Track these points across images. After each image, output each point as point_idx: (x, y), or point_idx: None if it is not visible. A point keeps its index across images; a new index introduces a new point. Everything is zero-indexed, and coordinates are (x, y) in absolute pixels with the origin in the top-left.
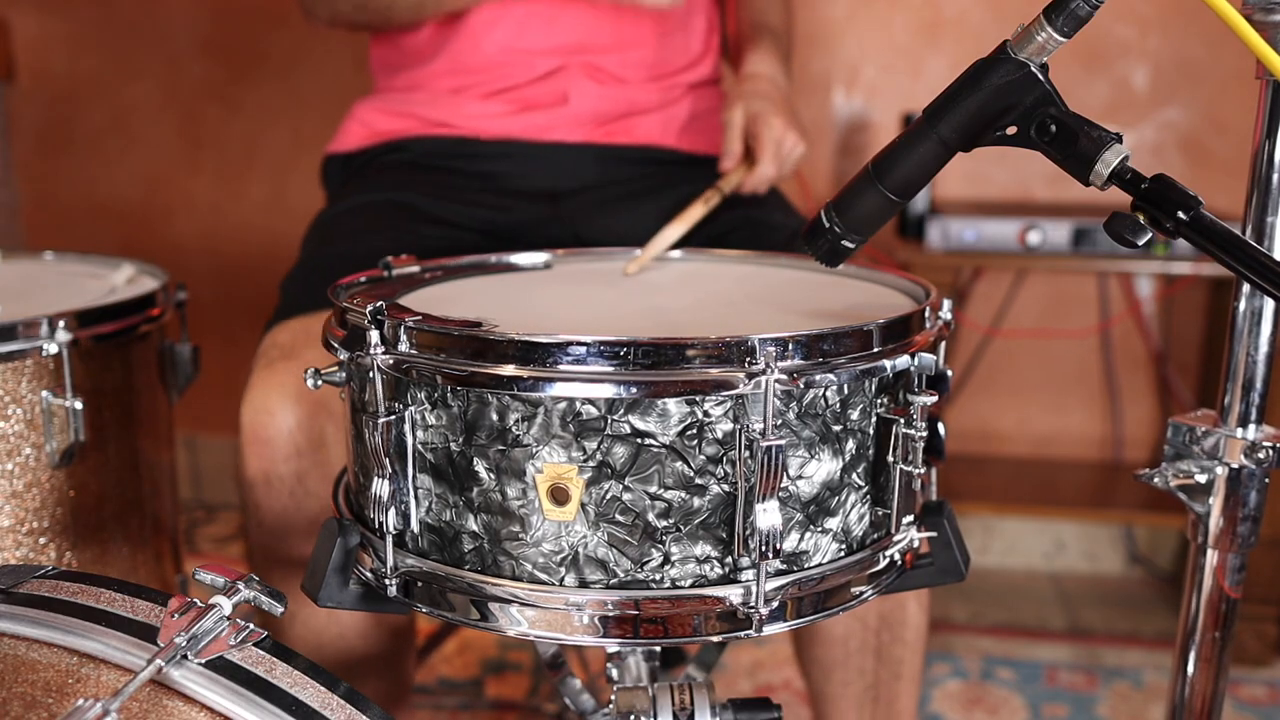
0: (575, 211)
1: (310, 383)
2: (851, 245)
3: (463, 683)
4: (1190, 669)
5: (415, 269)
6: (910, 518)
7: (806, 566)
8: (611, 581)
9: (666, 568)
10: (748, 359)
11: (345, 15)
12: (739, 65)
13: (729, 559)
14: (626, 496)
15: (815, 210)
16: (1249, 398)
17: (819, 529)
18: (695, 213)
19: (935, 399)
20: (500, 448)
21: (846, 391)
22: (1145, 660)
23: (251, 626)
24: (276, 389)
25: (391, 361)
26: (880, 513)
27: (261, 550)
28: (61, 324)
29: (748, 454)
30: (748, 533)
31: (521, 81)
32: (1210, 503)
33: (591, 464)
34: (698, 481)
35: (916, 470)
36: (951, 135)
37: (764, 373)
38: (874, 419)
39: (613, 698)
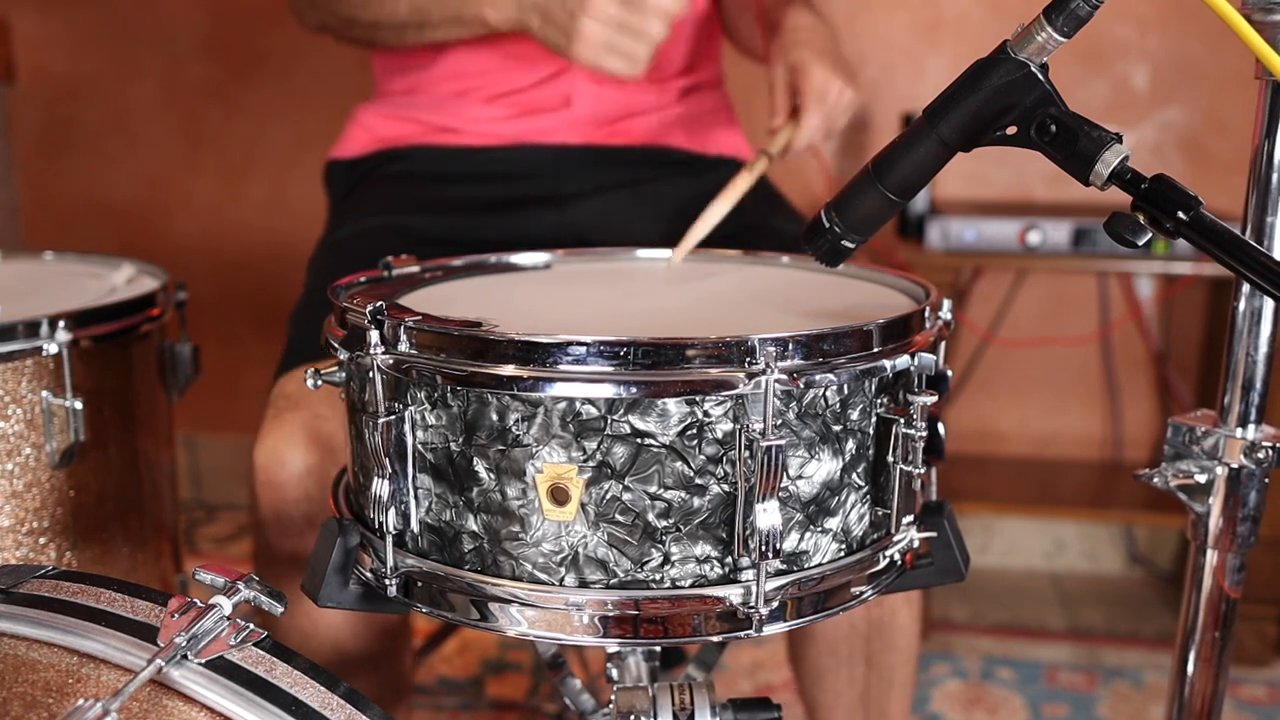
0: (578, 213)
1: (310, 383)
2: (851, 245)
3: (463, 683)
4: (1190, 669)
5: (415, 269)
6: (910, 518)
7: (806, 566)
8: (611, 581)
9: (666, 568)
10: (748, 359)
11: (333, 28)
12: (777, 28)
13: (729, 559)
14: (626, 496)
15: (817, 209)
16: (1249, 398)
17: (819, 529)
18: (742, 183)
19: (935, 399)
20: (500, 448)
21: (846, 391)
22: (1145, 660)
23: (251, 626)
24: (285, 439)
25: (391, 361)
26: (880, 513)
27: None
28: (61, 324)
29: (748, 454)
30: (748, 533)
31: (524, 85)
32: (1210, 503)
33: (591, 464)
34: (698, 481)
35: (916, 470)
36: (951, 135)
37: (764, 373)
38: (874, 419)
39: (613, 698)
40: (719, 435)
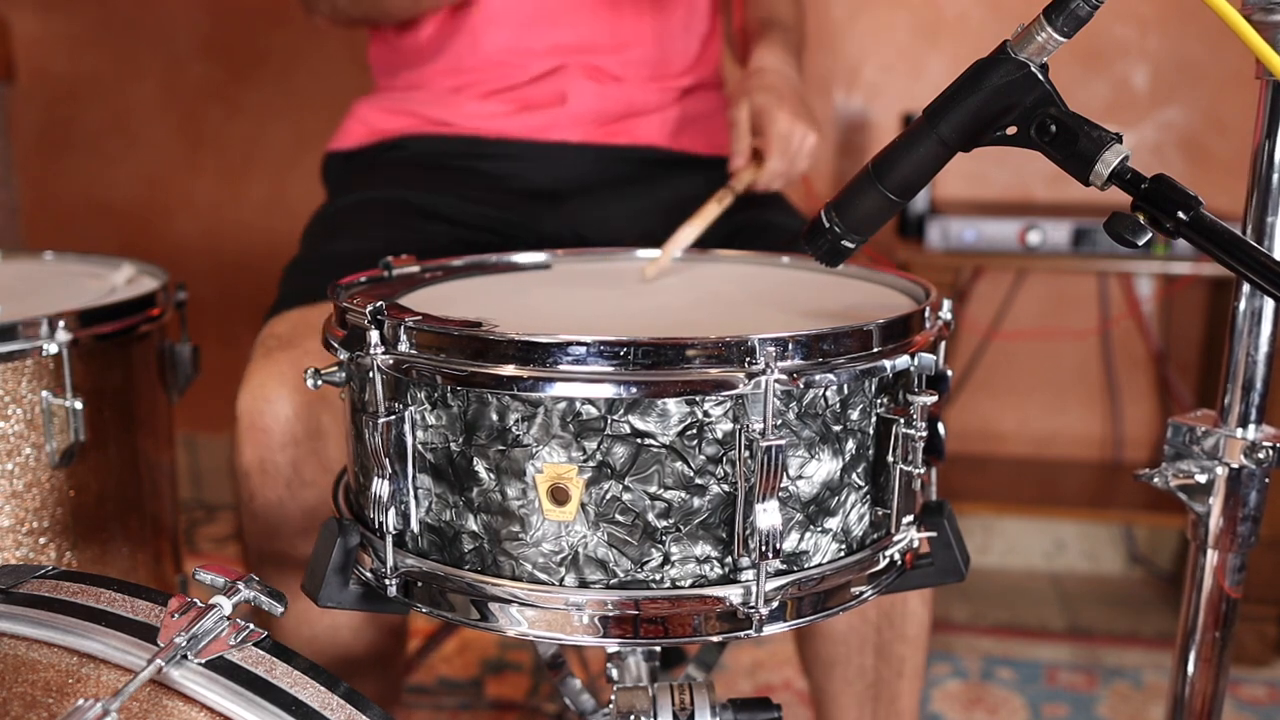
0: (575, 210)
1: (310, 383)
2: (851, 245)
3: (463, 683)
4: (1190, 669)
5: (415, 269)
6: (910, 518)
7: (806, 566)
8: (611, 581)
9: (666, 568)
10: (748, 359)
11: (344, 9)
12: (746, 62)
13: (729, 559)
14: (626, 496)
15: (816, 210)
16: (1249, 398)
17: (819, 529)
18: (710, 212)
19: (935, 399)
20: (500, 448)
21: (846, 391)
22: (1145, 660)
23: (251, 626)
24: (274, 378)
25: (391, 361)
26: (880, 513)
27: (256, 546)
28: (61, 324)
29: (748, 454)
30: (748, 533)
31: (520, 81)
32: (1210, 503)
33: (591, 464)
34: (698, 481)
35: (916, 470)
36: (951, 135)
37: (764, 373)
38: (874, 419)
39: (613, 698)
40: (719, 435)
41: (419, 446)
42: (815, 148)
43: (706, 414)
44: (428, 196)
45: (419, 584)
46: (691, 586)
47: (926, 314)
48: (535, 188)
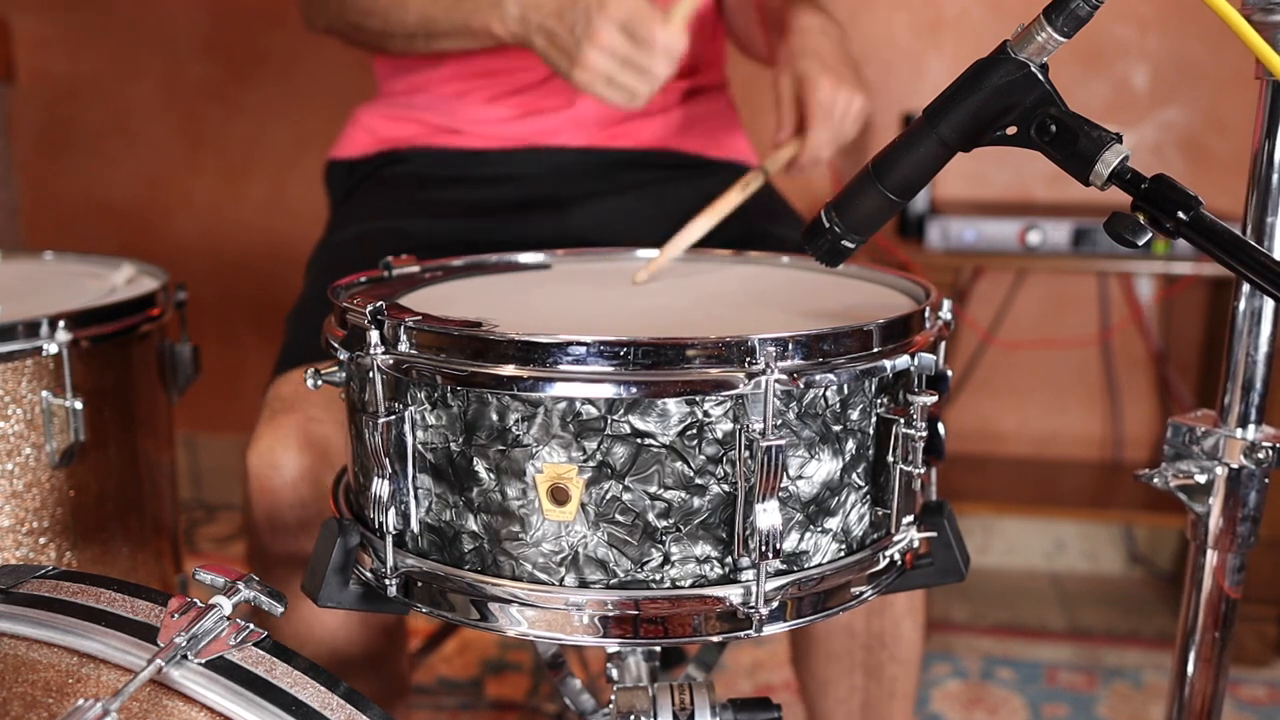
0: (580, 218)
1: (310, 383)
2: (851, 245)
3: (463, 683)
4: (1190, 669)
5: (415, 269)
6: (910, 518)
7: (806, 566)
8: (611, 581)
9: (666, 568)
10: (748, 359)
11: (340, 32)
12: (784, 28)
13: (729, 559)
14: (626, 496)
15: (817, 209)
16: (1249, 398)
17: (819, 529)
18: (732, 198)
19: (935, 399)
20: (500, 448)
21: (846, 391)
22: (1145, 660)
23: (251, 626)
24: (280, 442)
25: (391, 361)
26: (880, 513)
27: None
28: (61, 324)
29: (748, 454)
30: (748, 533)
31: (527, 84)
32: (1210, 503)
33: (591, 464)
34: (698, 481)
35: (916, 470)
36: (951, 135)
37: (764, 373)
38: (874, 419)
39: (613, 698)
40: (719, 435)
41: (419, 446)
42: (863, 110)
43: (706, 414)
44: (430, 222)
45: (419, 584)
46: (691, 586)
47: (926, 314)
48: (538, 196)
